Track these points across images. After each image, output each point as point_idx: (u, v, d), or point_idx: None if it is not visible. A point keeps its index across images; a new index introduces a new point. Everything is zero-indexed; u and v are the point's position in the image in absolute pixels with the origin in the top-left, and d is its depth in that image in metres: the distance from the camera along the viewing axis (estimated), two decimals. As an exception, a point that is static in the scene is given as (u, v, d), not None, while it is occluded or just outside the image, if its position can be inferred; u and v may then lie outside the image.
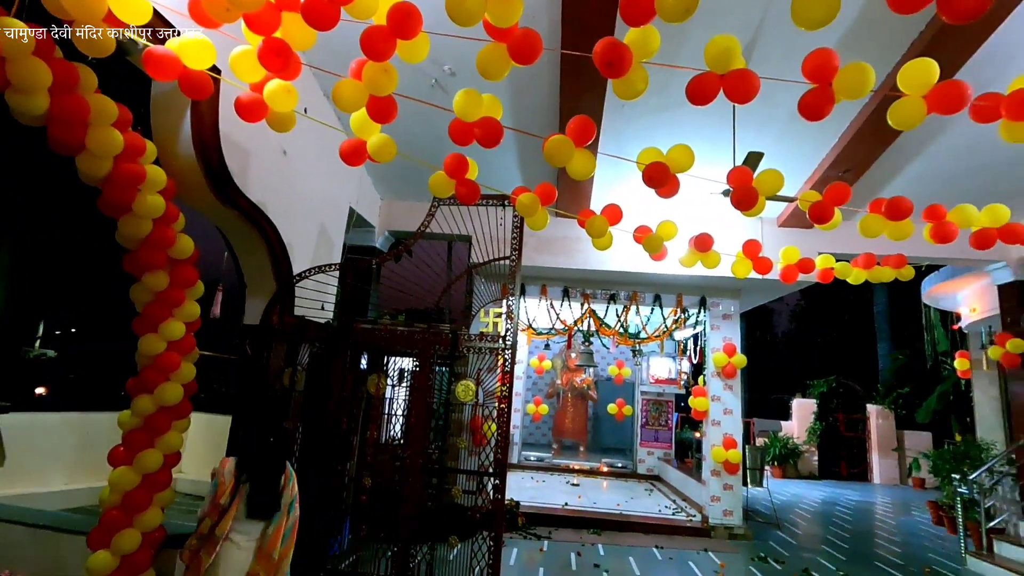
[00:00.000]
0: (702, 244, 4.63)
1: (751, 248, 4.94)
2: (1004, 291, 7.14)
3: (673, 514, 7.77)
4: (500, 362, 4.60)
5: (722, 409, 7.51)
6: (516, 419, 11.67)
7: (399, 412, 5.03)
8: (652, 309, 7.84)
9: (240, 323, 4.72)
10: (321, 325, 4.84)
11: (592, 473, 11.15)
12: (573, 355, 11.90)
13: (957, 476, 6.95)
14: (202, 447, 6.86)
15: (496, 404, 4.56)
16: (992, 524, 6.45)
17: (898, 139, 5.20)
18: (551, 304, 7.66)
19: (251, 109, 2.90)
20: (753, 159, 4.54)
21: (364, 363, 5.15)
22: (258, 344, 4.52)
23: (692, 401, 7.69)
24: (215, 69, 3.19)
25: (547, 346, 9.94)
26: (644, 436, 11.67)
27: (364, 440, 5.19)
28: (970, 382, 9.20)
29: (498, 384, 4.57)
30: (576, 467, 11.29)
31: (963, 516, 6.58)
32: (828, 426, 14.21)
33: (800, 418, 14.55)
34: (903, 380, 14.82)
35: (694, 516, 7.61)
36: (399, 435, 5.09)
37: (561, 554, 5.89)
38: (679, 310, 7.69)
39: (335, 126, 5.02)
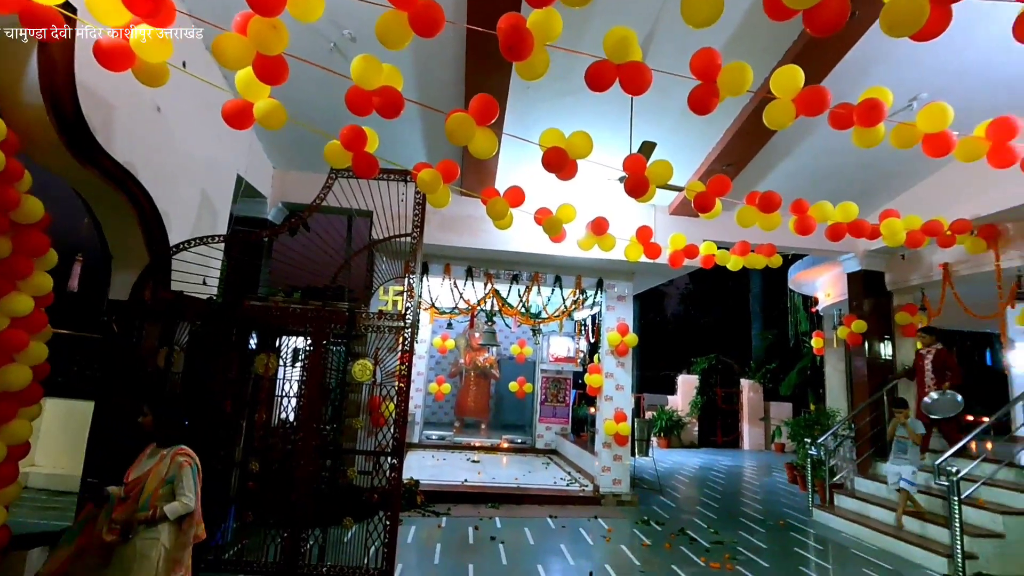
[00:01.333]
0: (598, 228, 4.83)
1: (643, 234, 5.23)
2: (852, 279, 8.16)
3: (567, 485, 8.16)
4: (400, 341, 4.53)
5: (615, 385, 7.95)
6: (418, 398, 11.60)
7: (292, 393, 4.80)
8: (553, 290, 8.08)
9: (104, 298, 4.24)
10: (202, 302, 4.48)
11: (493, 450, 11.40)
12: (476, 334, 12.00)
13: (808, 440, 7.91)
14: (60, 436, 6.14)
15: (396, 383, 4.50)
16: (834, 480, 7.44)
17: (773, 138, 5.70)
18: (454, 283, 7.65)
19: (114, 56, 2.57)
20: (647, 148, 4.77)
21: (254, 342, 4.86)
22: (126, 322, 4.09)
23: (588, 378, 8.07)
24: (69, 7, 2.79)
25: (450, 325, 9.94)
26: (543, 412, 12.10)
27: (252, 423, 4.92)
28: (824, 358, 10.47)
29: (398, 363, 4.50)
30: (477, 444, 11.48)
31: (812, 474, 7.52)
32: (708, 399, 15.57)
33: (684, 392, 15.79)
34: (771, 357, 16.54)
35: (587, 486, 8.05)
36: (292, 417, 4.87)
37: (459, 529, 5.99)
38: (578, 291, 7.99)
39: (220, 85, 4.60)
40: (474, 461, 9.94)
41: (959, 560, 4.93)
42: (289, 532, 4.14)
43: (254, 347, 4.79)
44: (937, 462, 5.31)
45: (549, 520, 6.56)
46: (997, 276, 6.31)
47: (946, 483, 5.13)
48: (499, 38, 2.61)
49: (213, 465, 4.17)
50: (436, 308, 8.00)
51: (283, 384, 4.73)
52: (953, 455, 5.42)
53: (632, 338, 7.89)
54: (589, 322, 10.09)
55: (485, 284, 7.76)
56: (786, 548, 5.88)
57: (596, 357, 8.33)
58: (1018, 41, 2.29)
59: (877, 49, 4.58)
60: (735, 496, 8.57)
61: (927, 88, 5.00)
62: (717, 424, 15.54)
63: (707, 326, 24.49)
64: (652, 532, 6.28)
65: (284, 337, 4.75)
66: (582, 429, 11.84)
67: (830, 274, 9.42)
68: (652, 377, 19.87)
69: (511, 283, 7.88)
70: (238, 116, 3.13)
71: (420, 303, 7.73)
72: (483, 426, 12.61)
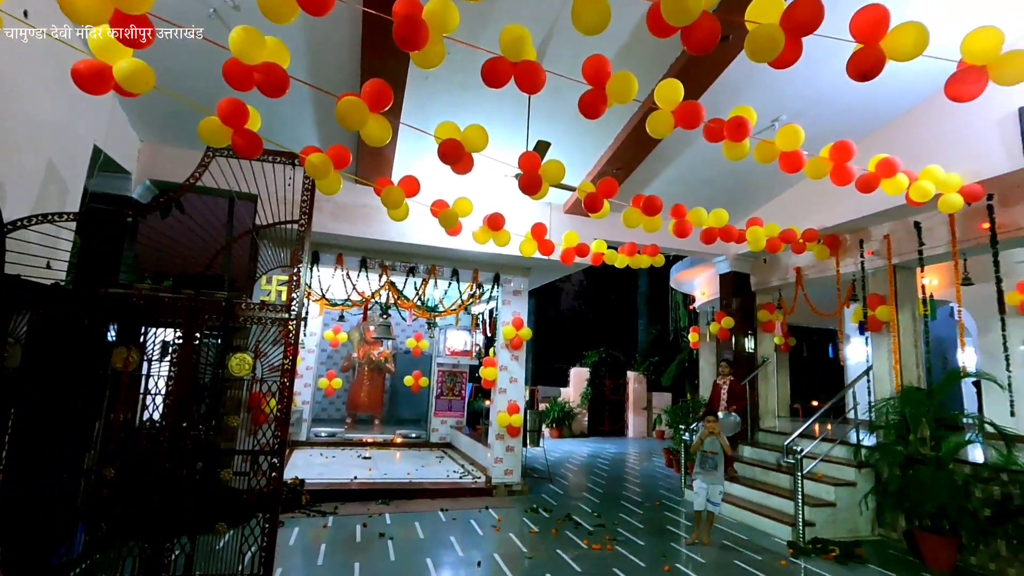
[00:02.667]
0: (494, 223, 4.89)
1: (538, 231, 5.37)
2: (723, 279, 8.98)
3: (460, 478, 8.21)
4: (286, 334, 4.29)
5: (509, 378, 8.12)
6: (306, 394, 11.06)
7: (159, 391, 4.36)
8: (449, 283, 8.06)
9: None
10: (46, 287, 3.93)
11: (386, 445, 11.17)
12: (371, 328, 11.67)
13: (682, 427, 8.60)
14: None
15: (280, 379, 4.25)
16: (703, 462, 8.16)
17: (658, 146, 6.09)
18: (347, 274, 7.37)
19: (-75, -5, 2.17)
20: (541, 147, 4.90)
21: (114, 335, 4.34)
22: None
23: (483, 371, 8.16)
24: None
25: (342, 318, 9.56)
26: (438, 406, 12.06)
27: (109, 425, 4.41)
28: (699, 351, 11.43)
29: (283, 357, 4.25)
30: (370, 440, 11.19)
31: (684, 458, 8.20)
32: (597, 391, 16.38)
33: (576, 384, 16.49)
34: (655, 350, 17.75)
35: (479, 478, 8.15)
36: (158, 417, 4.43)
37: (347, 528, 5.81)
38: (475, 285, 8.04)
39: (70, 42, 4.04)
40: (365, 457, 9.68)
41: (800, 528, 5.63)
42: (150, 543, 3.77)
43: (114, 340, 4.29)
44: (785, 443, 6.02)
45: (441, 513, 6.56)
46: (837, 280, 7.25)
47: (792, 460, 5.82)
48: (393, 26, 2.54)
49: (59, 473, 3.69)
50: (327, 300, 7.65)
51: (148, 381, 4.28)
52: (798, 436, 6.17)
53: (527, 332, 8.09)
54: (486, 316, 10.20)
55: (380, 276, 7.57)
56: (660, 526, 6.37)
57: (492, 351, 8.44)
58: (850, 77, 2.64)
59: (748, 72, 5.05)
60: (618, 481, 9.10)
61: (787, 111, 5.60)
62: (605, 414, 16.41)
63: (599, 321, 25.72)
64: (540, 519, 6.50)
65: (152, 329, 4.30)
66: (477, 422, 11.95)
67: (706, 274, 10.29)
68: (547, 370, 20.51)
69: (407, 275, 7.76)
70: (93, 79, 2.77)
71: (309, 294, 7.37)
72: (376, 421, 12.31)
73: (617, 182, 4.58)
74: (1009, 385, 5.38)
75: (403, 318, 8.56)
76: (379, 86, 3.08)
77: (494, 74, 2.87)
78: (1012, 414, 5.46)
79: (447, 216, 4.58)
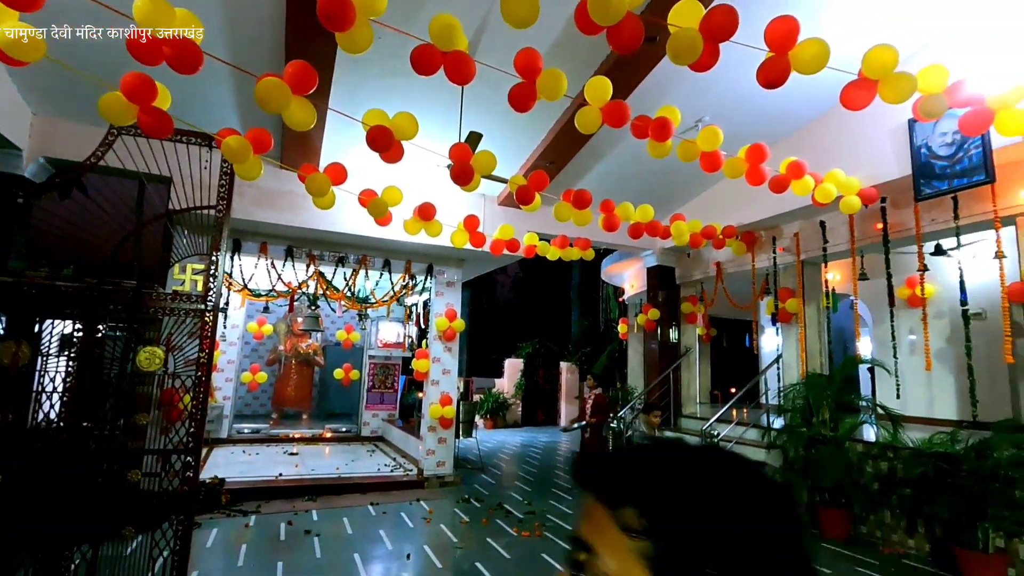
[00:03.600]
0: (425, 213, 4.83)
1: (470, 222, 5.36)
2: (651, 273, 9.33)
3: (392, 471, 8.11)
4: (202, 326, 4.05)
5: (441, 370, 8.08)
6: (228, 389, 10.52)
7: (55, 388, 4.01)
8: (381, 274, 7.90)
9: None
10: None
11: (314, 440, 10.84)
12: (299, 319, 11.25)
13: (611, 415, 8.90)
14: None
15: (196, 373, 4.02)
16: (630, 448, 8.48)
17: (590, 141, 6.22)
18: (272, 263, 7.06)
19: None
20: (473, 139, 4.89)
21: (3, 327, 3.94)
22: None
23: (415, 363, 8.07)
24: None
25: (266, 308, 9.14)
26: (370, 399, 11.83)
27: (-3, 426, 4.01)
28: (627, 342, 11.84)
29: (199, 351, 4.02)
30: (297, 436, 10.81)
31: (612, 444, 8.49)
32: (531, 381, 16.63)
33: (511, 375, 16.65)
34: (587, 341, 18.22)
35: (411, 471, 8.09)
36: (57, 416, 4.08)
37: (270, 526, 5.61)
38: (407, 276, 7.92)
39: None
40: (292, 454, 9.36)
41: (716, 507, 5.98)
42: (43, 553, 3.48)
43: (3, 333, 3.89)
44: (703, 427, 6.37)
45: (370, 507, 6.46)
46: (752, 274, 7.72)
47: (708, 444, 6.16)
48: (318, 4, 2.45)
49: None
50: (249, 290, 7.30)
51: (44, 377, 3.92)
52: (716, 421, 6.55)
53: (460, 323, 8.07)
54: (421, 307, 10.08)
55: (307, 266, 7.30)
56: (588, 511, 6.58)
57: (424, 343, 8.37)
58: (760, 84, 2.81)
59: (675, 73, 5.23)
60: (549, 469, 9.31)
61: (710, 112, 5.87)
62: (538, 403, 16.70)
63: (534, 313, 26.05)
64: (472, 509, 6.55)
65: (50, 321, 3.94)
66: (411, 415, 11.82)
67: (634, 268, 10.66)
68: (481, 361, 20.58)
69: (336, 265, 7.52)
70: (-31, 43, 2.48)
71: (231, 284, 7.00)
72: (304, 416, 11.91)
73: (549, 175, 4.65)
74: (896, 371, 5.95)
75: (333, 309, 8.31)
76: (302, 68, 2.96)
77: (423, 62, 2.83)
78: (898, 397, 6.04)
79: (376, 205, 4.48)
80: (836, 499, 5.80)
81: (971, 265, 6.07)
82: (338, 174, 4.14)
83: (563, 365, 17.06)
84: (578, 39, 4.87)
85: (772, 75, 2.72)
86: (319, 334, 12.07)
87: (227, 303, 8.25)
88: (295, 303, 8.19)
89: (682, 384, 9.08)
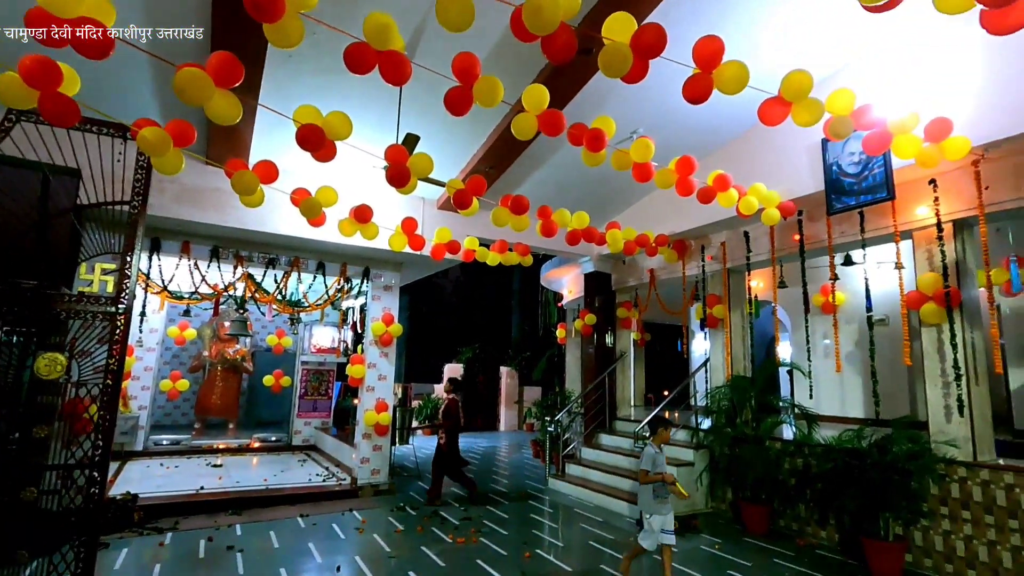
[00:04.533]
0: (361, 215, 4.73)
1: (408, 225, 5.29)
2: (588, 278, 9.54)
3: (323, 481, 7.84)
4: (111, 329, 3.76)
5: (377, 375, 7.90)
6: (144, 398, 9.83)
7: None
8: (315, 277, 7.64)
9: None
10: None
11: (241, 451, 10.32)
12: (226, 323, 10.69)
13: (548, 418, 9.01)
14: None
15: (104, 381, 3.72)
16: (566, 451, 8.62)
17: (529, 148, 6.29)
18: (195, 264, 6.67)
19: None
20: (410, 140, 4.83)
21: None
22: None
23: (350, 369, 7.85)
24: None
25: (187, 312, 8.63)
26: (302, 407, 11.40)
27: None
28: (566, 346, 12.03)
29: (109, 356, 3.73)
30: (222, 446, 10.25)
31: (549, 448, 8.59)
32: (470, 386, 16.55)
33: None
34: (527, 346, 18.36)
35: (344, 480, 7.84)
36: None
37: (188, 544, 5.27)
38: (343, 279, 7.70)
39: None
40: (216, 465, 8.85)
41: (647, 506, 6.17)
42: (-81, 583, 3.11)
43: None
44: (635, 429, 6.55)
45: (300, 519, 6.21)
46: (683, 281, 8.04)
47: (641, 446, 6.35)
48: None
49: None
50: (169, 292, 6.86)
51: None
52: (647, 423, 6.75)
53: (397, 328, 7.93)
54: (357, 311, 9.82)
55: (235, 267, 6.95)
56: (524, 516, 6.61)
57: (360, 347, 8.16)
58: (685, 99, 2.94)
59: (612, 84, 5.40)
60: (487, 474, 9.29)
61: (645, 124, 6.07)
62: (478, 408, 16.65)
63: (475, 318, 25.99)
64: (407, 518, 6.42)
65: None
66: (346, 422, 11.47)
67: (573, 274, 10.86)
68: (421, 367, 20.30)
69: (267, 267, 7.21)
70: None
71: (148, 285, 6.57)
72: (231, 426, 11.30)
73: (488, 181, 4.66)
74: (810, 373, 6.36)
75: (262, 313, 7.94)
76: (227, 59, 2.82)
77: (357, 60, 2.77)
78: (811, 397, 6.46)
79: (310, 205, 4.33)
80: (757, 495, 6.12)
81: (875, 275, 6.60)
82: (268, 172, 3.97)
83: (503, 370, 17.10)
84: (518, 47, 4.91)
85: (696, 91, 2.85)
86: (248, 339, 11.52)
87: (144, 306, 7.73)
88: (221, 306, 7.77)
89: (617, 387, 9.31)
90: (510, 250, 6.54)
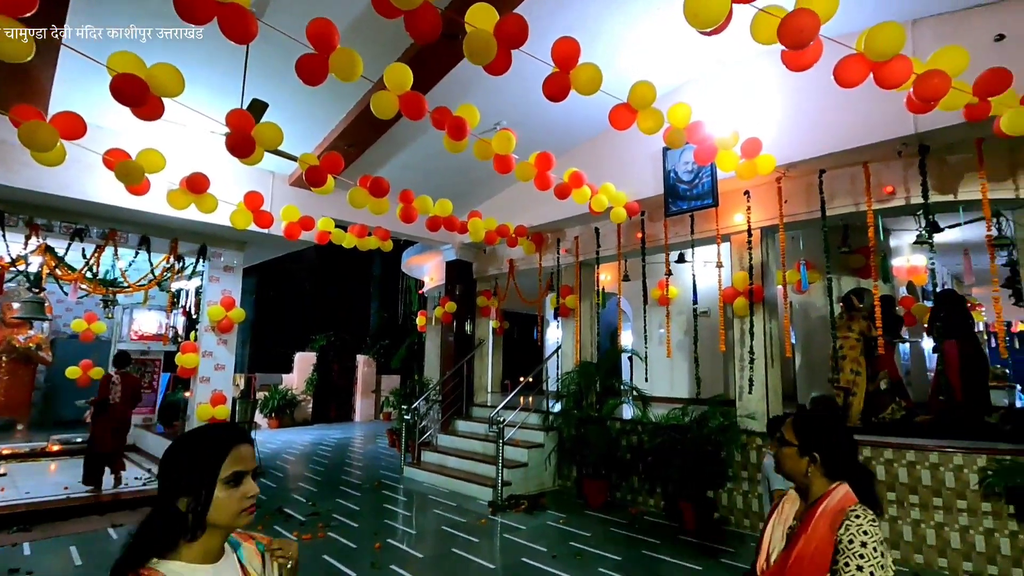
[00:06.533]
0: (196, 185, 4.22)
1: (253, 200, 4.84)
2: (449, 266, 9.55)
3: (144, 485, 6.92)
4: None
5: (214, 365, 7.16)
6: None
7: None
8: (137, 253, 6.66)
9: None
10: None
11: (35, 456, 8.71)
12: (14, 305, 8.90)
13: (405, 406, 8.89)
14: None
15: None
16: (423, 439, 8.58)
17: (393, 129, 6.08)
18: (-30, 232, 5.44)
19: None
20: (257, 107, 4.43)
21: None
22: None
23: (180, 358, 7.01)
24: None
25: (-38, 291, 7.03)
26: (120, 402, 9.92)
27: None
28: (426, 334, 11.94)
29: None
30: (7, 452, 8.56)
31: (405, 436, 8.49)
32: (324, 376, 15.73)
33: (301, 370, 15.54)
34: (385, 333, 17.88)
35: (171, 482, 6.99)
36: None
37: (-47, 572, 4.33)
38: (173, 257, 6.82)
39: None
40: (-2, 475, 7.37)
41: (499, 488, 6.39)
42: None
43: None
44: (490, 415, 6.74)
45: (111, 531, 5.42)
46: (539, 272, 8.41)
47: (495, 430, 6.56)
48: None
49: None
50: (-69, 265, 5.52)
51: None
52: (503, 408, 6.98)
53: (238, 313, 7.25)
54: (192, 294, 8.77)
55: (28, 237, 5.79)
56: (377, 506, 6.46)
57: (194, 334, 7.31)
58: (544, 96, 3.06)
59: (478, 73, 5.40)
60: (338, 466, 8.92)
61: (508, 117, 6.19)
62: (332, 399, 15.89)
63: (330, 304, 24.68)
64: (245, 518, 5.92)
65: None
66: (175, 417, 10.24)
67: (434, 261, 10.79)
68: (267, 356, 18.82)
69: (72, 239, 6.12)
70: None
71: None
72: (20, 427, 9.48)
73: (347, 160, 4.43)
74: (647, 358, 7.05)
75: (66, 293, 6.73)
76: (13, -17, 2.31)
77: (190, 7, 2.43)
78: (647, 380, 7.17)
79: (128, 169, 3.74)
80: (598, 471, 6.65)
81: (701, 272, 7.48)
82: (72, 125, 3.34)
83: (360, 358, 16.52)
84: (382, 23, 4.71)
85: (554, 89, 2.97)
86: (45, 324, 9.72)
87: None
88: (6, 284, 6.44)
89: (475, 374, 9.48)
90: (370, 234, 6.30)
